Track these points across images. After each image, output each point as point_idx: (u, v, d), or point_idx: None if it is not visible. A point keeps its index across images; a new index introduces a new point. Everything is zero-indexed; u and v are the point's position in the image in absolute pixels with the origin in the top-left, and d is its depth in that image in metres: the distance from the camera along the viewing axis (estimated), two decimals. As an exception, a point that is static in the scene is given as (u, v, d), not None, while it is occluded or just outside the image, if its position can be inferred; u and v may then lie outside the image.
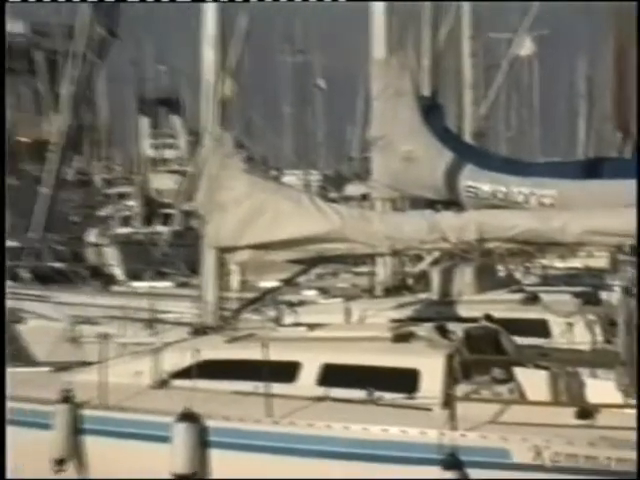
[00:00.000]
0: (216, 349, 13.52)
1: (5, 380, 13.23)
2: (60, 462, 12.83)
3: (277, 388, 12.27)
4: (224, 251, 14.97)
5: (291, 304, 15.74)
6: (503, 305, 15.66)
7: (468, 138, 20.34)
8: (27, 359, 16.87)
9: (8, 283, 22.17)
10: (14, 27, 64.59)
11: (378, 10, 15.60)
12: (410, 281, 16.63)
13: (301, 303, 16.92)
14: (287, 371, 12.64)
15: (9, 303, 19.86)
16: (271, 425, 12.14)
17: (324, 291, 19.00)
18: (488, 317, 13.01)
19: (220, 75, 15.16)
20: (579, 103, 59.24)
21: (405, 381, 12.14)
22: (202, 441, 12.30)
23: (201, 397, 12.49)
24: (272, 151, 51.52)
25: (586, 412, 11.35)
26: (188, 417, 12.27)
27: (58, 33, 58.62)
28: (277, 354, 12.45)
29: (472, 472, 11.15)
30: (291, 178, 47.68)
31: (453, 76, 21.32)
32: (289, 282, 16.05)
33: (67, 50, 35.83)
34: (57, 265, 23.77)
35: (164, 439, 12.29)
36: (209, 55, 15.21)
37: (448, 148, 15.09)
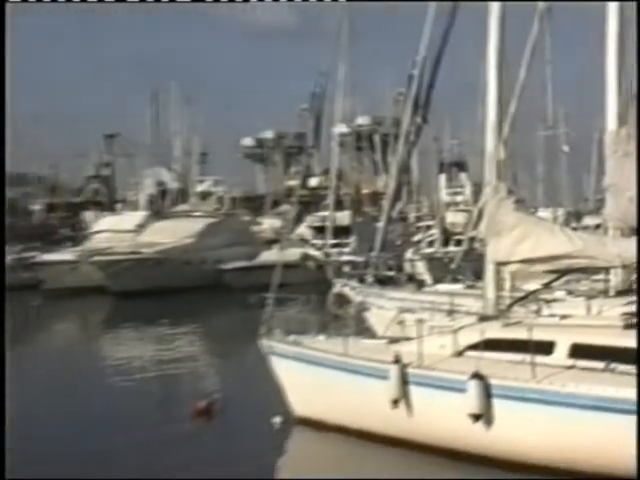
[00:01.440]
0: (495, 331, 13.40)
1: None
2: (395, 402, 13.11)
3: (539, 359, 12.12)
4: (499, 264, 14.86)
5: (547, 301, 15.28)
6: None
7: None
8: (371, 334, 17.18)
9: (357, 285, 22.77)
10: (362, 120, 66.78)
11: (611, 92, 15.16)
12: (635, 285, 15.86)
13: (554, 300, 16.43)
14: (545, 347, 12.42)
15: (360, 298, 20.23)
16: (534, 384, 11.96)
17: (570, 292, 18.36)
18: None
19: (496, 144, 15.06)
20: None
21: (634, 356, 11.64)
22: (487, 393, 12.24)
23: (485, 363, 12.45)
24: (530, 195, 50.74)
25: None
26: (477, 376, 12.26)
27: (389, 123, 60.27)
28: (538, 335, 12.31)
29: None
30: (544, 214, 46.67)
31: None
32: (546, 286, 15.65)
33: (396, 134, 36.87)
34: (388, 273, 24.11)
35: (461, 390, 12.31)
36: (490, 136, 15.14)
37: (663, 191, 14.37)
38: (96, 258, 40.95)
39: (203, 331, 30.10)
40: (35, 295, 39.19)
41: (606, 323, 12.87)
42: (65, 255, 44.23)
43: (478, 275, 17.58)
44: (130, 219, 50.47)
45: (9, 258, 45.61)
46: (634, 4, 15.16)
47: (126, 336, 29.71)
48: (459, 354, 13.26)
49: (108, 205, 72.19)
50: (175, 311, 33.79)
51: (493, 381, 12.24)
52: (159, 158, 62.04)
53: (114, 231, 47.05)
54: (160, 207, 56.58)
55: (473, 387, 12.22)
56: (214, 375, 21.87)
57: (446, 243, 40.64)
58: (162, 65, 57.70)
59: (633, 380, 11.30)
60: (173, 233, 44.11)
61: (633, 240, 13.87)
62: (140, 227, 46.87)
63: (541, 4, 15.26)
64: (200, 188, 65.77)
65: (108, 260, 40.55)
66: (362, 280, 22.85)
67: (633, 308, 13.13)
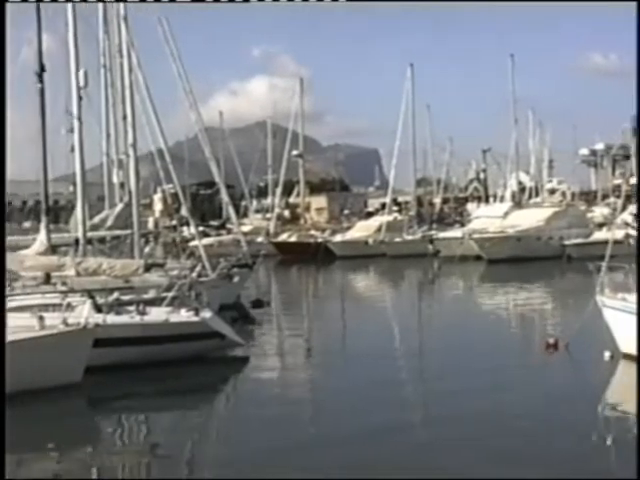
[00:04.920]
0: None
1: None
2: None
3: None
4: None
5: None
6: None
7: None
8: None
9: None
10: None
11: None
12: None
13: None
14: None
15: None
16: None
17: None
18: None
19: None
20: None
21: None
22: None
23: None
24: None
25: None
26: None
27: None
28: None
29: None
30: None
31: None
32: None
33: None
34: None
35: None
36: None
37: None
38: (475, 236, 41.12)
39: (550, 289, 28.74)
40: (436, 260, 40.68)
41: None
42: (455, 233, 44.84)
43: None
44: (499, 208, 49.74)
45: (419, 235, 47.63)
46: None
47: (494, 289, 29.51)
48: None
49: (484, 199, 71.89)
50: (530, 273, 32.60)
51: None
52: (519, 165, 60.28)
53: (487, 217, 46.73)
54: (520, 200, 55.08)
55: None
56: (560, 320, 20.79)
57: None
58: (520, 98, 55.80)
59: None
60: (529, 218, 42.80)
61: None
62: (506, 214, 46.04)
63: None
64: (549, 186, 63.07)
65: (483, 237, 40.52)
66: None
67: None
